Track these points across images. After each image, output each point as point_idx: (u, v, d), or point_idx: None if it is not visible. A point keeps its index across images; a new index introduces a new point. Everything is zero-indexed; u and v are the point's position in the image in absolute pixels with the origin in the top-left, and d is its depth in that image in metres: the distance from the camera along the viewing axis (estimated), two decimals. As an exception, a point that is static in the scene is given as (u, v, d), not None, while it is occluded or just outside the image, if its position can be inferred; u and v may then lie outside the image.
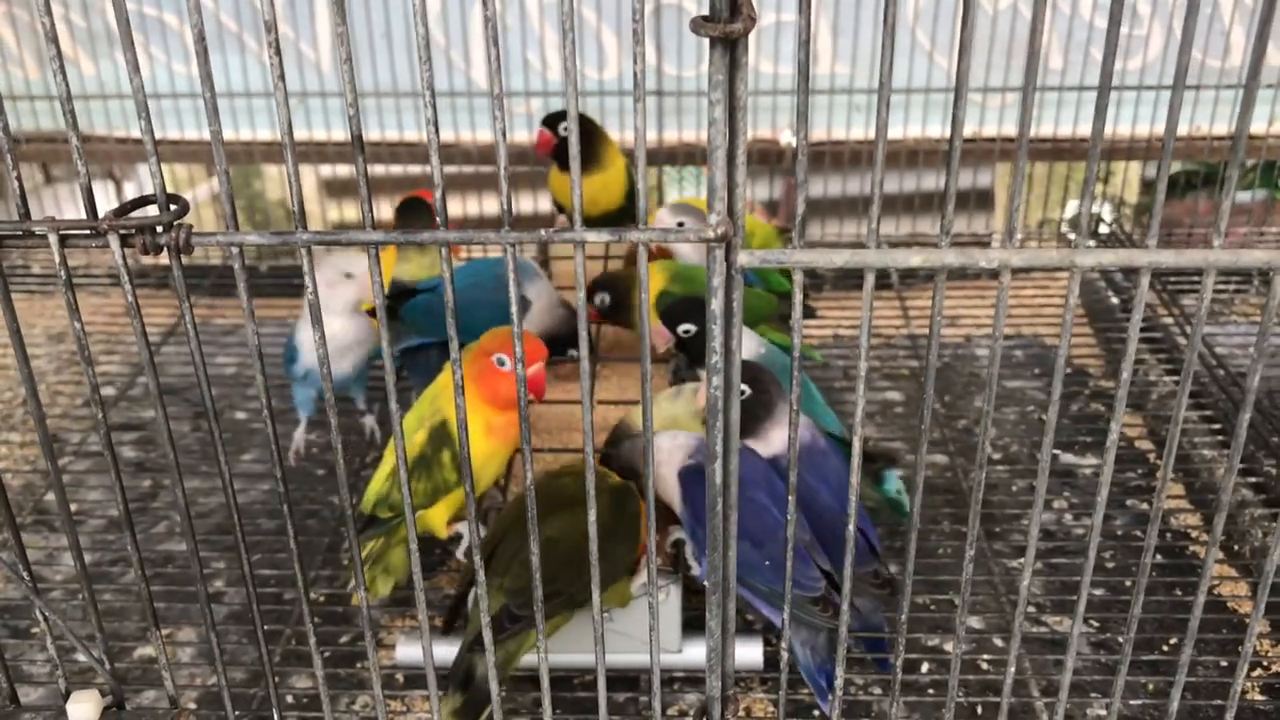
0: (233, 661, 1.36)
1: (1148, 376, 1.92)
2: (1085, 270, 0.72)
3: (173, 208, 0.73)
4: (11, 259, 2.34)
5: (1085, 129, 2.24)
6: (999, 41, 2.18)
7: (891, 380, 1.97)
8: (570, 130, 0.69)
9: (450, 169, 2.34)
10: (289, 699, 1.31)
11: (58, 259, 0.75)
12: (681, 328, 1.49)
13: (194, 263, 2.34)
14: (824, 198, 2.36)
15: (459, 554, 1.43)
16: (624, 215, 1.93)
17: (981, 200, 2.49)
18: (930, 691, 1.30)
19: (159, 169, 0.73)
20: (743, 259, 0.72)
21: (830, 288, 2.22)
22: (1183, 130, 2.20)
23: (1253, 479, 1.61)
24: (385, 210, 2.45)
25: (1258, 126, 2.20)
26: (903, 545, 1.40)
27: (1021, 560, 1.50)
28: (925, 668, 1.34)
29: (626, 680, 1.31)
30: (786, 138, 2.28)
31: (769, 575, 1.20)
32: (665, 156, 2.28)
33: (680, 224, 1.67)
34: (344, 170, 2.55)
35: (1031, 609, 1.42)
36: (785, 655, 0.89)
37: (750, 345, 1.46)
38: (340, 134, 2.27)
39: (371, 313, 1.56)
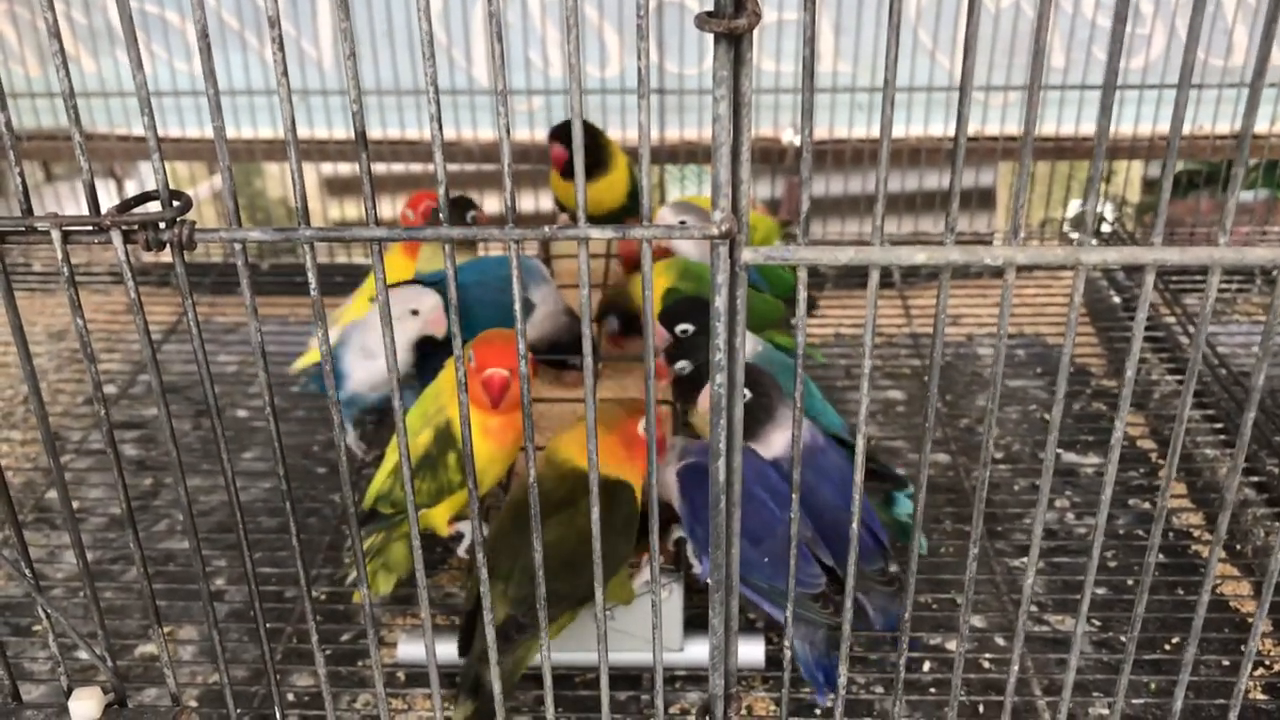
0: (234, 659, 1.35)
1: (1150, 375, 1.92)
2: (1090, 268, 0.72)
3: (175, 204, 0.73)
4: (13, 256, 2.34)
5: (1087, 128, 2.24)
6: (1001, 40, 2.18)
7: (893, 379, 1.96)
8: (574, 127, 0.68)
9: (452, 167, 2.34)
10: (290, 697, 1.31)
11: (60, 255, 0.75)
12: (679, 327, 1.49)
13: (195, 260, 2.34)
14: (825, 196, 2.35)
15: (460, 551, 1.43)
16: (626, 215, 1.93)
17: (983, 199, 2.49)
18: (932, 690, 1.30)
19: (162, 165, 0.73)
20: (747, 256, 0.72)
21: (832, 286, 2.22)
22: (1185, 129, 2.20)
23: (1255, 478, 1.61)
24: (387, 208, 2.46)
25: (1260, 126, 2.20)
26: (905, 544, 1.40)
27: (1023, 559, 1.50)
28: (927, 666, 1.34)
29: (628, 679, 1.31)
30: (788, 136, 2.28)
31: (768, 572, 1.20)
32: (667, 155, 2.28)
33: (682, 222, 1.67)
34: (345, 168, 2.55)
35: (1033, 608, 1.42)
36: (788, 653, 0.89)
37: (748, 345, 1.45)
38: (341, 132, 2.27)
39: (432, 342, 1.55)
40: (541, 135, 2.26)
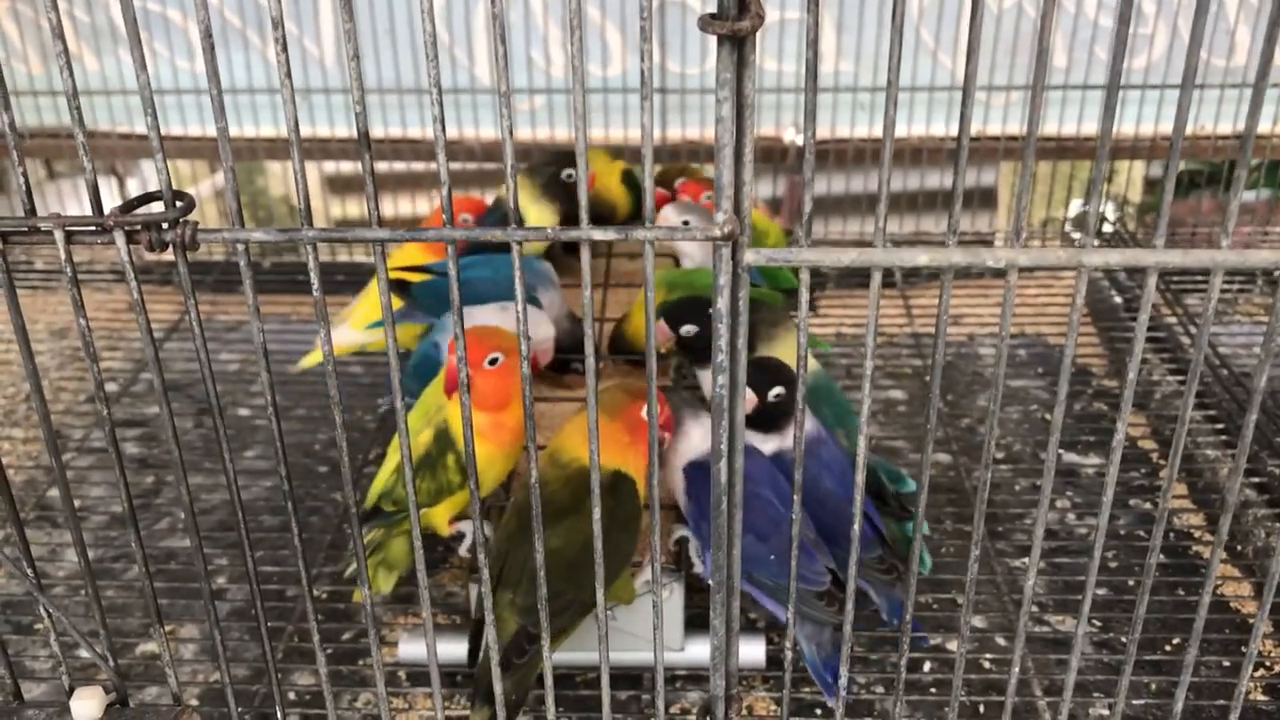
0: (235, 658, 1.36)
1: (1151, 376, 1.92)
2: (1092, 270, 0.72)
3: (178, 204, 0.73)
4: (14, 254, 2.34)
5: (1089, 128, 2.24)
6: (1003, 40, 2.18)
7: (894, 379, 1.96)
8: (575, 126, 0.69)
9: (454, 166, 2.34)
10: (292, 696, 1.31)
11: (63, 255, 0.75)
12: (684, 328, 1.49)
13: (196, 259, 2.32)
14: (827, 195, 2.35)
15: (461, 551, 1.43)
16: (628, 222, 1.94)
17: (985, 199, 2.49)
18: (933, 691, 1.30)
19: (165, 165, 0.73)
20: (749, 257, 0.72)
21: (833, 286, 2.22)
22: (1187, 129, 2.20)
23: (1256, 479, 1.61)
24: (388, 207, 2.46)
25: (1263, 126, 2.20)
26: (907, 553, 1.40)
27: (1024, 560, 1.50)
28: (928, 667, 1.34)
29: (629, 678, 1.32)
30: (790, 136, 2.28)
31: (774, 569, 1.19)
32: (668, 154, 2.28)
33: (685, 223, 1.67)
34: (347, 167, 2.55)
35: (1034, 608, 1.42)
36: (790, 653, 0.89)
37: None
38: (343, 130, 2.27)
39: None
40: (543, 134, 2.27)
